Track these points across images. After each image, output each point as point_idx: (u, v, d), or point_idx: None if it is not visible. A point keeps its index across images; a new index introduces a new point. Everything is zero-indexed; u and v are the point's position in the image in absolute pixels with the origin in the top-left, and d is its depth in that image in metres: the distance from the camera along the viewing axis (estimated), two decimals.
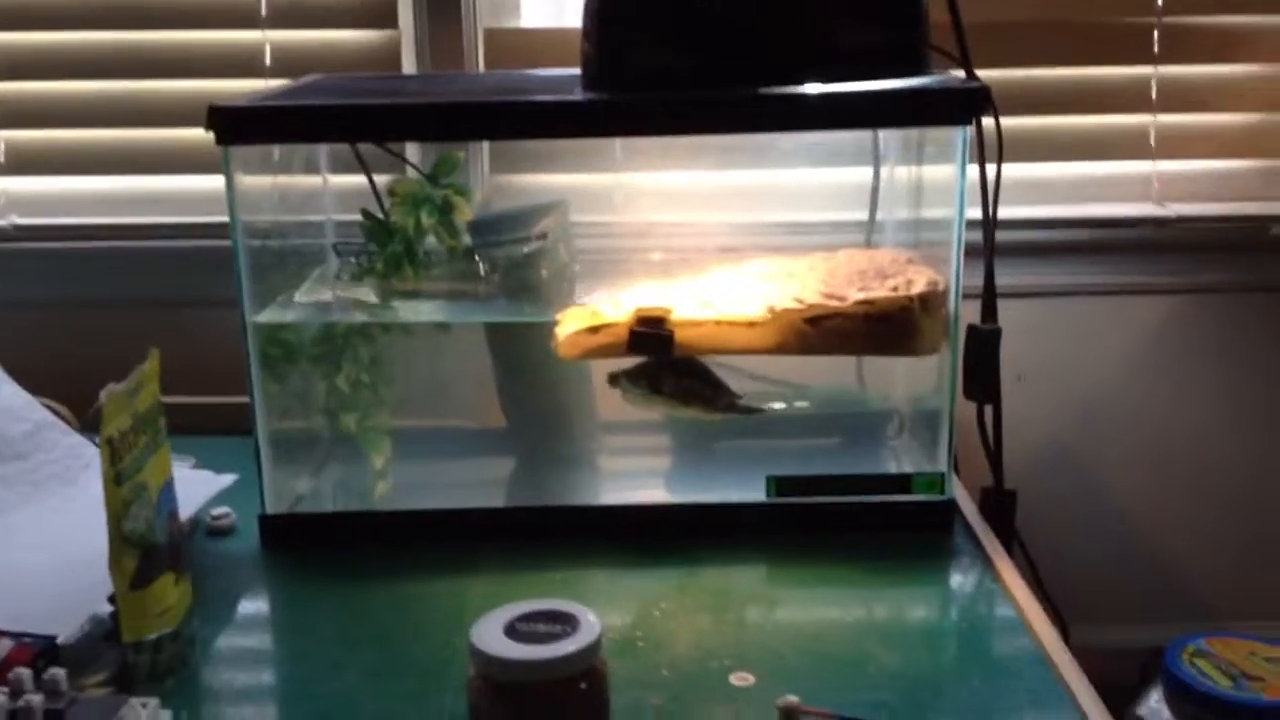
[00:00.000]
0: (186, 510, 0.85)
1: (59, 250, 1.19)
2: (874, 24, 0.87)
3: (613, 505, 0.95)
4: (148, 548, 0.70)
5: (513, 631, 0.60)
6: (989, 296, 0.93)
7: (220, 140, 0.82)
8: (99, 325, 1.16)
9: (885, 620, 0.81)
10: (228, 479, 0.92)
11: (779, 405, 1.05)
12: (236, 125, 0.83)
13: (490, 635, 0.59)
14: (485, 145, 1.16)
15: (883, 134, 1.03)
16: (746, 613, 0.82)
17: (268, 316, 0.91)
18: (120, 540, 0.68)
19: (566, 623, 0.61)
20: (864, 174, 1.05)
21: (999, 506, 0.94)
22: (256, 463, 0.90)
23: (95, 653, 0.70)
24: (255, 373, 0.89)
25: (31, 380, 0.98)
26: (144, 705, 0.58)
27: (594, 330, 0.89)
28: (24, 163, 1.20)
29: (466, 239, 0.99)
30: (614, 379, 0.92)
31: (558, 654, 0.58)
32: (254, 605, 0.85)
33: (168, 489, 0.73)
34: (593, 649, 0.60)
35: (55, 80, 1.18)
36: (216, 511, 0.94)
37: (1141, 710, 0.96)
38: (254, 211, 0.90)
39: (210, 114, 0.82)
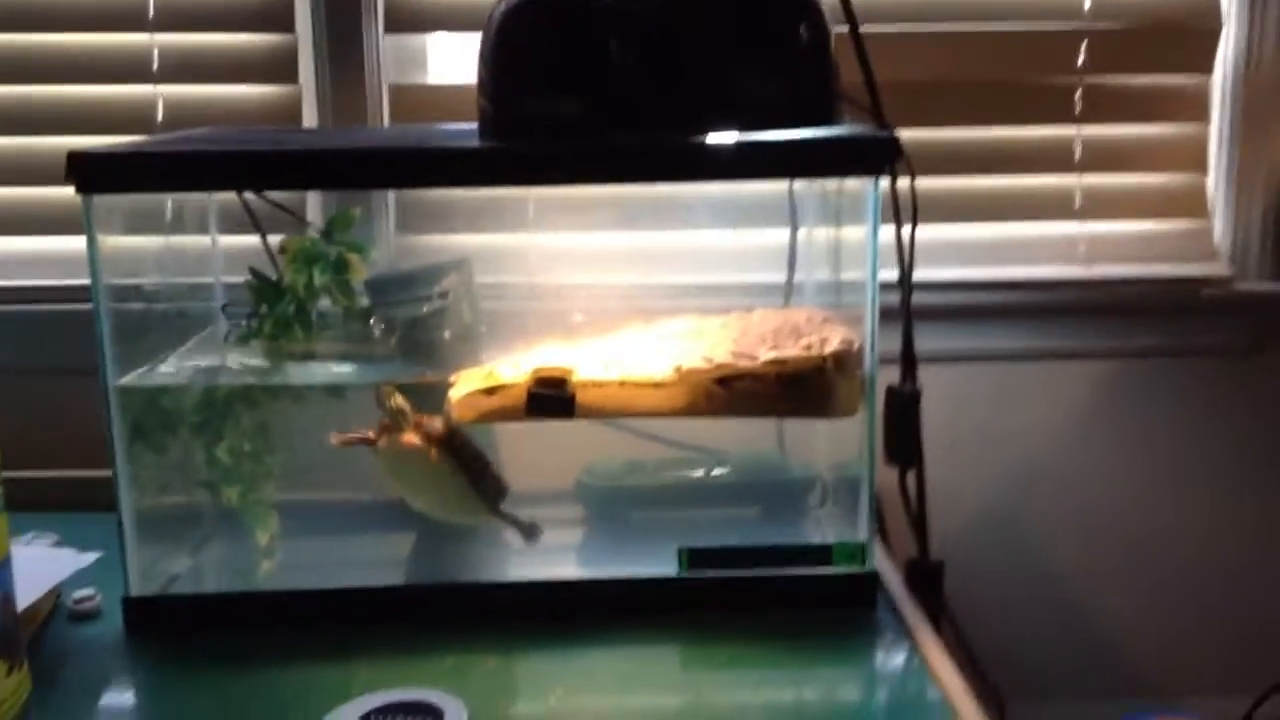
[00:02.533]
0: (37, 591, 0.77)
1: None
2: (782, 73, 0.83)
3: (512, 582, 0.89)
4: None
5: None
6: (908, 356, 0.89)
7: (81, 189, 0.76)
8: None
9: (805, 705, 0.75)
10: (89, 557, 0.84)
11: (696, 473, 1.00)
12: (99, 173, 0.77)
13: None
14: (390, 205, 1.12)
15: (800, 193, 0.99)
16: (655, 698, 0.76)
17: (133, 380, 0.84)
18: None
19: (429, 715, 0.54)
20: (782, 235, 1.01)
21: (925, 578, 0.89)
22: (120, 540, 0.83)
23: None
24: (119, 443, 0.82)
25: None
26: None
27: (490, 392, 0.84)
28: None
29: (363, 299, 0.93)
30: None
31: None
32: (111, 698, 0.77)
33: (1, 569, 0.66)
34: None
35: None
36: (79, 594, 0.86)
37: None
38: (130, 273, 0.84)
39: (70, 161, 0.76)
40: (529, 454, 0.97)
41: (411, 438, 0.86)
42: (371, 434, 0.87)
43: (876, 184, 0.80)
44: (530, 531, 0.91)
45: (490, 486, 0.89)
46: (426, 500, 0.90)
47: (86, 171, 0.76)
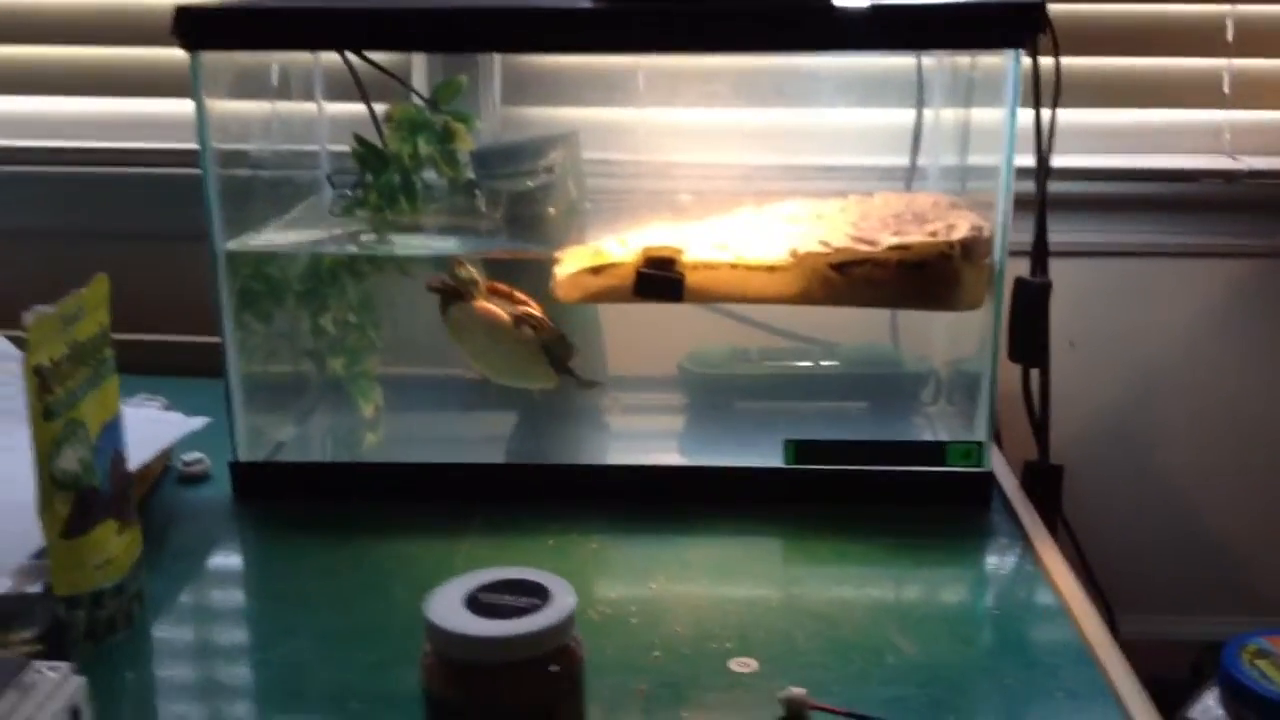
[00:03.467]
0: (147, 453, 0.78)
1: (24, 175, 1.12)
2: None
3: (615, 465, 0.87)
4: (83, 491, 0.62)
5: (474, 603, 0.52)
6: (1040, 248, 0.83)
7: (187, 45, 0.74)
8: (73, 256, 1.09)
9: (909, 604, 0.72)
10: (198, 422, 0.85)
11: (803, 363, 0.97)
12: (206, 29, 0.75)
13: (447, 607, 0.52)
14: (496, 75, 1.08)
15: (929, 71, 0.93)
16: (754, 590, 0.74)
17: (240, 245, 0.83)
18: (50, 482, 0.61)
19: (536, 594, 0.53)
20: (905, 115, 0.95)
21: (1043, 482, 0.85)
22: (227, 405, 0.83)
23: (25, 607, 0.63)
24: (226, 308, 0.82)
25: None
26: (53, 670, 0.51)
27: (596, 270, 0.81)
28: None
29: (468, 171, 0.91)
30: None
31: (524, 630, 0.50)
32: (219, 560, 0.78)
33: (112, 428, 0.66)
34: (565, 626, 0.52)
35: None
36: (189, 457, 0.87)
37: (1194, 713, 0.87)
38: (237, 138, 0.83)
39: (178, 16, 0.74)
40: (630, 336, 0.94)
41: (484, 303, 0.84)
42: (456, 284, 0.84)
43: (1018, 58, 0.74)
44: (589, 384, 0.88)
45: (558, 349, 0.87)
46: (494, 364, 0.87)
47: (194, 27, 0.74)
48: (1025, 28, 0.73)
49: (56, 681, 0.50)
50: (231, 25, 0.77)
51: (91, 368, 0.64)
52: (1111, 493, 1.09)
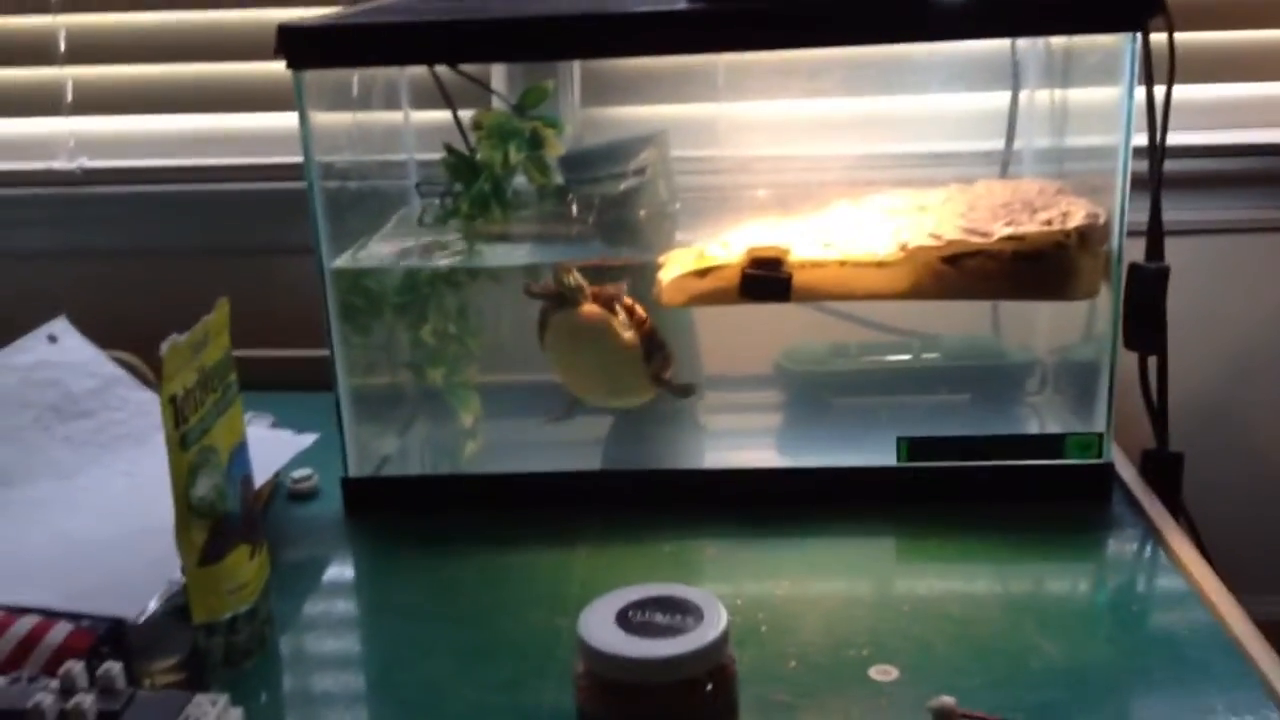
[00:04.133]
0: (263, 474, 0.78)
1: (128, 195, 1.13)
2: None
3: (723, 470, 0.86)
4: (218, 518, 0.63)
5: (626, 622, 0.52)
6: (1155, 231, 0.81)
7: (292, 64, 0.74)
8: (171, 274, 1.11)
9: (1043, 602, 0.71)
10: (308, 439, 0.85)
11: (904, 357, 0.95)
12: (309, 47, 0.75)
13: (601, 627, 0.51)
14: (576, 75, 1.07)
15: (1021, 49, 0.91)
16: (881, 593, 0.73)
17: (346, 262, 0.83)
18: (187, 510, 0.61)
19: (687, 612, 0.52)
20: (996, 100, 0.93)
21: (1164, 470, 0.83)
22: (338, 423, 0.83)
23: (164, 634, 0.63)
24: (335, 325, 0.82)
25: (100, 333, 0.92)
26: (213, 703, 0.51)
27: (702, 274, 0.80)
28: (92, 102, 1.14)
29: (558, 176, 0.90)
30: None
31: (680, 652, 0.50)
32: (337, 577, 0.79)
33: (240, 452, 0.66)
34: (719, 645, 0.51)
35: (122, 12, 1.11)
36: (297, 474, 0.87)
37: None
38: (330, 151, 0.83)
39: (280, 36, 0.74)
40: (724, 336, 0.93)
41: (592, 308, 0.83)
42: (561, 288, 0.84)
43: (1135, 39, 0.72)
44: (685, 392, 0.88)
45: (658, 357, 0.86)
46: (591, 377, 0.87)
47: (298, 46, 0.74)
48: (1142, 10, 0.71)
49: (217, 715, 0.51)
50: (333, 43, 0.77)
51: (219, 393, 0.64)
52: (1226, 477, 1.07)
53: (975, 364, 0.94)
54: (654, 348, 0.85)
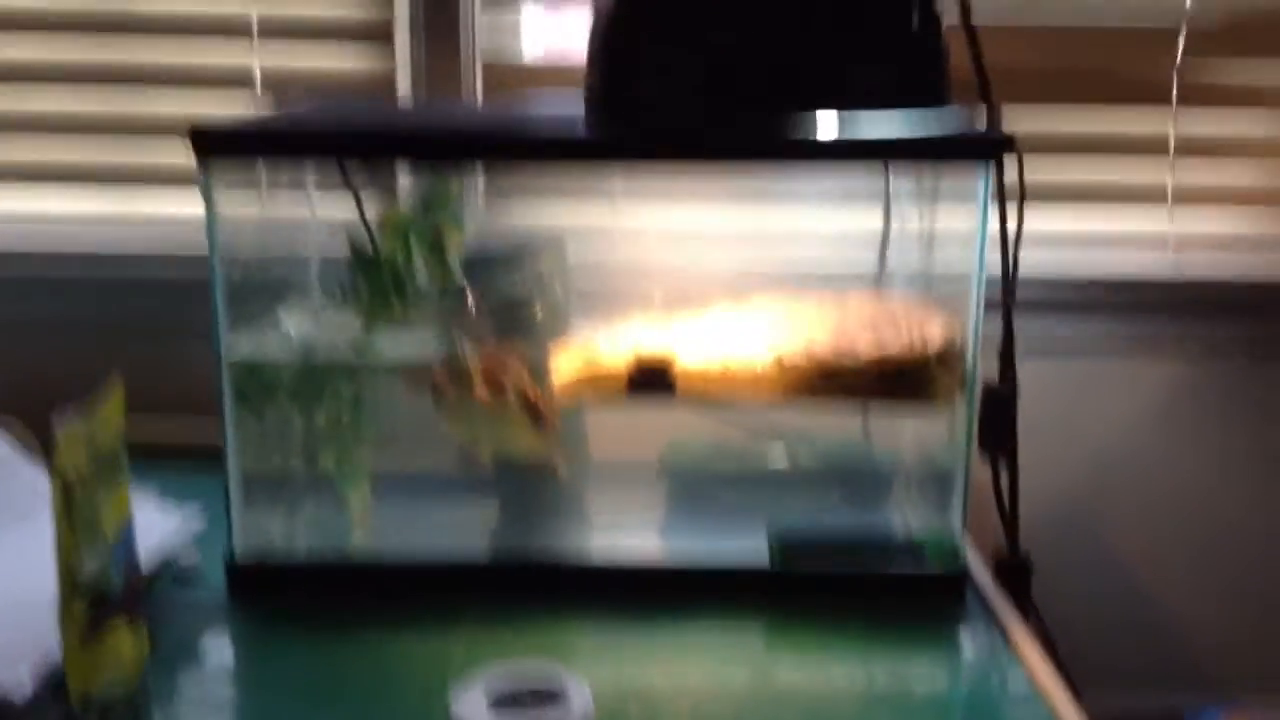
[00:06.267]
0: (149, 557, 0.79)
1: (27, 278, 1.14)
2: (891, 56, 0.83)
3: (604, 566, 0.90)
4: (100, 597, 0.64)
5: (495, 709, 0.54)
6: (1007, 353, 0.88)
7: (201, 154, 0.77)
8: (66, 343, 1.11)
9: (896, 695, 0.75)
10: (194, 525, 0.86)
11: (779, 456, 1.00)
12: (219, 144, 0.78)
13: (473, 712, 0.54)
14: (480, 179, 1.12)
15: (895, 179, 0.99)
16: (747, 682, 0.76)
17: (244, 352, 0.86)
18: (71, 589, 0.62)
19: (554, 700, 0.55)
20: (873, 218, 1.01)
21: (1014, 575, 0.89)
22: (226, 508, 0.84)
23: (37, 712, 0.64)
24: (230, 415, 0.83)
25: None
26: None
27: (590, 376, 0.84)
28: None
29: (458, 275, 0.94)
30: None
31: None
32: (216, 659, 0.79)
33: (126, 533, 0.67)
34: None
35: (37, 87, 1.14)
36: (182, 555, 0.87)
37: None
38: (233, 240, 0.85)
39: (193, 134, 0.77)
40: (612, 430, 0.97)
41: (480, 392, 0.87)
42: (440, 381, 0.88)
43: (988, 173, 0.79)
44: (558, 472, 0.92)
45: (546, 425, 0.90)
46: (490, 444, 0.92)
47: (209, 141, 0.77)
48: (995, 150, 0.79)
49: None
50: (243, 140, 0.80)
51: (110, 474, 0.66)
52: (1070, 579, 1.13)
53: (846, 465, 1.00)
54: (540, 422, 0.89)
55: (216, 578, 0.86)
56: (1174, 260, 1.16)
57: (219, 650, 0.80)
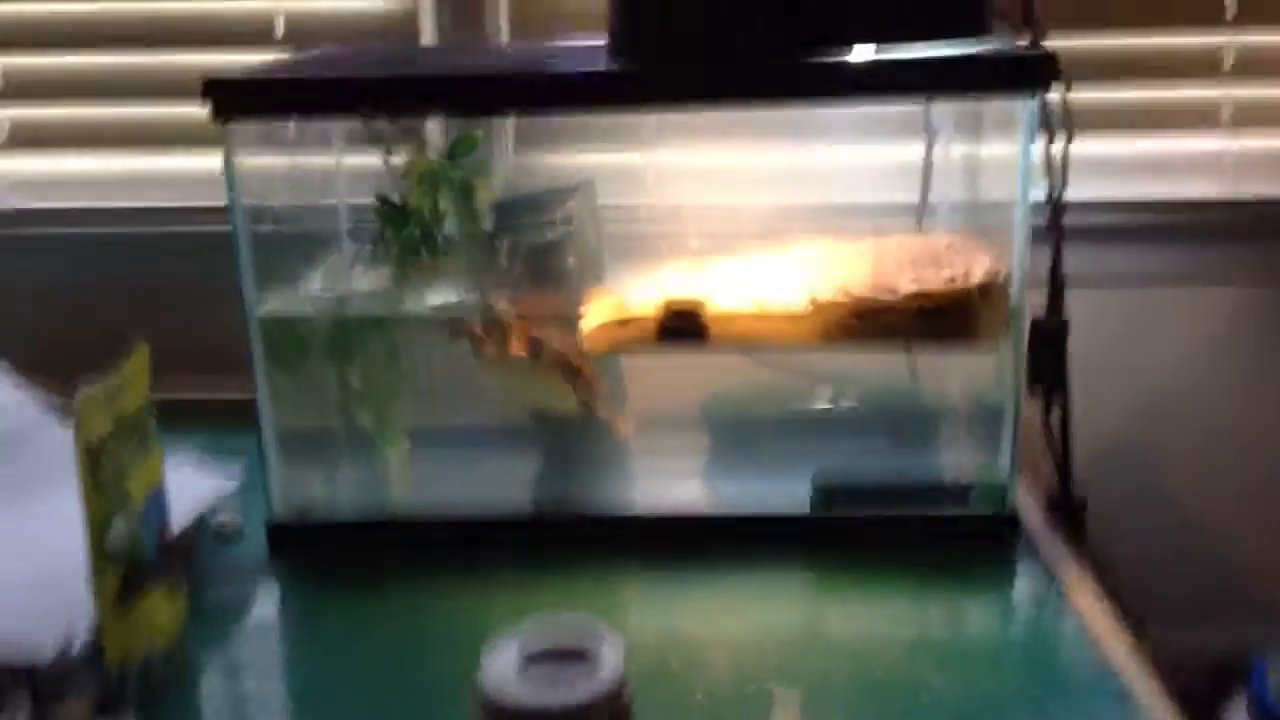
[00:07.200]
0: (185, 518, 0.79)
1: (57, 235, 1.14)
2: None
3: (646, 515, 0.88)
4: (133, 563, 0.64)
5: (525, 668, 0.53)
6: (1056, 285, 0.85)
7: (218, 115, 0.76)
8: (98, 311, 1.11)
9: (942, 641, 0.74)
10: (232, 483, 0.85)
11: (825, 402, 0.98)
12: (236, 99, 0.77)
13: (499, 673, 0.53)
14: (509, 123, 1.10)
15: (936, 107, 0.95)
16: (790, 630, 0.75)
17: (274, 308, 0.85)
18: (102, 555, 0.62)
19: (586, 657, 0.54)
20: (915, 151, 0.97)
21: (1068, 513, 0.86)
22: (263, 467, 0.84)
23: (77, 676, 0.64)
24: (261, 369, 0.83)
25: (26, 369, 0.93)
26: None
27: (622, 323, 0.82)
28: (28, 141, 1.14)
29: (488, 224, 0.92)
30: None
31: (576, 700, 0.52)
32: (258, 619, 0.80)
33: (157, 498, 0.67)
34: (616, 689, 0.53)
35: (57, 52, 1.12)
36: (221, 516, 0.88)
37: None
38: (261, 194, 0.84)
39: (207, 88, 0.75)
40: (652, 378, 0.96)
41: (516, 347, 0.86)
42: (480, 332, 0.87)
43: (1033, 102, 0.76)
44: (612, 429, 0.91)
45: (584, 387, 0.89)
46: (527, 398, 0.90)
47: (225, 97, 0.76)
48: (1039, 76, 0.75)
49: None
50: (260, 95, 0.78)
51: (136, 440, 0.65)
52: (1127, 516, 1.10)
53: (892, 407, 0.97)
54: (576, 378, 0.87)
55: (259, 537, 0.86)
56: (1232, 182, 1.10)
57: (260, 610, 0.80)
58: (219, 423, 0.94)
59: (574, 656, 0.54)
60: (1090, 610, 0.75)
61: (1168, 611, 1.06)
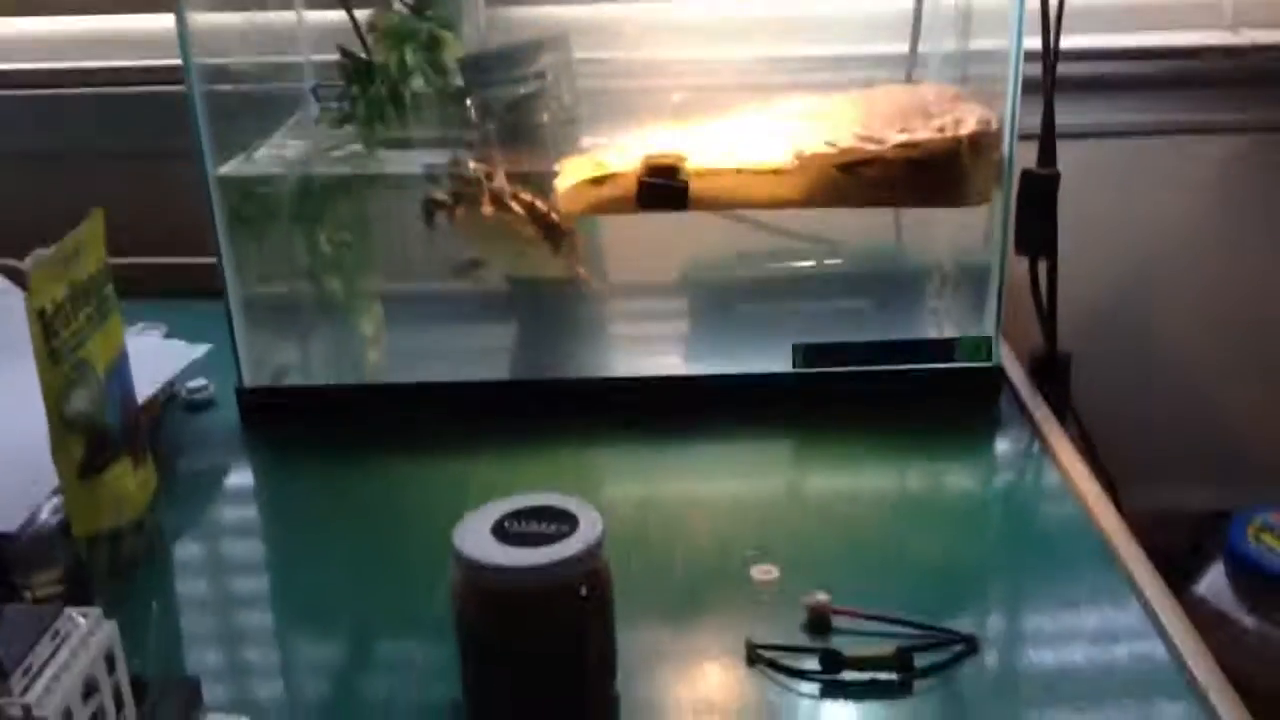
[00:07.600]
0: (151, 386, 0.77)
1: (8, 98, 1.09)
2: None
3: (624, 378, 0.87)
4: (96, 432, 0.62)
5: (501, 532, 0.52)
6: (1048, 135, 0.82)
7: None
8: (61, 177, 1.07)
9: (924, 501, 0.73)
10: (200, 350, 0.83)
11: (808, 263, 0.95)
12: None
13: (475, 537, 0.52)
14: None
15: None
16: (770, 495, 0.74)
17: (232, 169, 0.81)
18: (61, 425, 0.60)
19: (562, 520, 0.53)
20: (902, 2, 0.93)
21: (1052, 372, 0.85)
22: (230, 333, 0.82)
23: (46, 547, 0.63)
24: (222, 232, 0.80)
25: None
26: (84, 616, 0.51)
27: (598, 182, 0.79)
28: None
29: (457, 80, 0.88)
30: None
31: (553, 559, 0.51)
32: (231, 487, 0.79)
33: (120, 366, 0.65)
34: (593, 551, 0.52)
35: None
36: (192, 384, 0.86)
37: (1201, 589, 0.89)
38: (219, 53, 0.80)
39: None
40: (633, 242, 0.93)
41: (488, 207, 0.83)
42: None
43: None
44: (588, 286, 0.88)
45: (566, 245, 0.86)
46: (506, 258, 0.87)
47: None
48: None
49: (89, 628, 0.50)
50: None
51: (94, 306, 0.63)
52: (1112, 375, 1.10)
53: (876, 269, 0.95)
54: (556, 236, 0.84)
55: (231, 407, 0.84)
56: (1230, 29, 1.06)
57: (232, 477, 0.79)
58: (192, 292, 0.92)
59: (552, 520, 0.53)
60: (1070, 466, 0.74)
61: (1149, 471, 1.07)
